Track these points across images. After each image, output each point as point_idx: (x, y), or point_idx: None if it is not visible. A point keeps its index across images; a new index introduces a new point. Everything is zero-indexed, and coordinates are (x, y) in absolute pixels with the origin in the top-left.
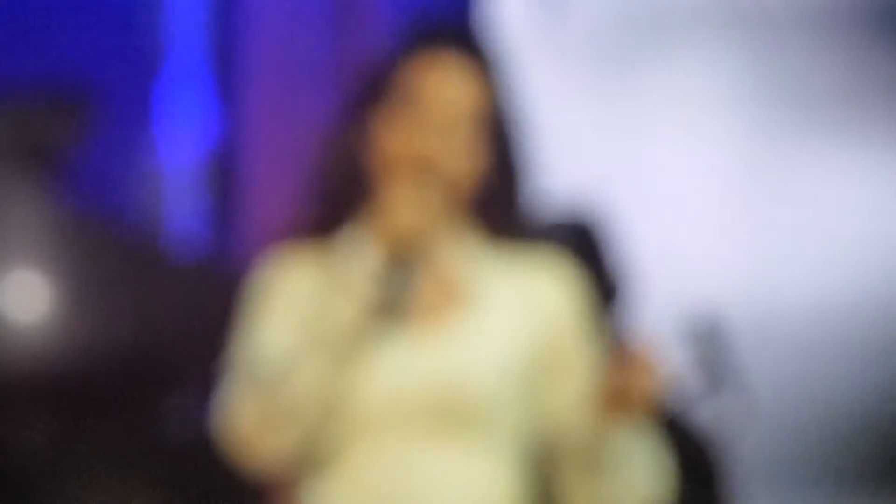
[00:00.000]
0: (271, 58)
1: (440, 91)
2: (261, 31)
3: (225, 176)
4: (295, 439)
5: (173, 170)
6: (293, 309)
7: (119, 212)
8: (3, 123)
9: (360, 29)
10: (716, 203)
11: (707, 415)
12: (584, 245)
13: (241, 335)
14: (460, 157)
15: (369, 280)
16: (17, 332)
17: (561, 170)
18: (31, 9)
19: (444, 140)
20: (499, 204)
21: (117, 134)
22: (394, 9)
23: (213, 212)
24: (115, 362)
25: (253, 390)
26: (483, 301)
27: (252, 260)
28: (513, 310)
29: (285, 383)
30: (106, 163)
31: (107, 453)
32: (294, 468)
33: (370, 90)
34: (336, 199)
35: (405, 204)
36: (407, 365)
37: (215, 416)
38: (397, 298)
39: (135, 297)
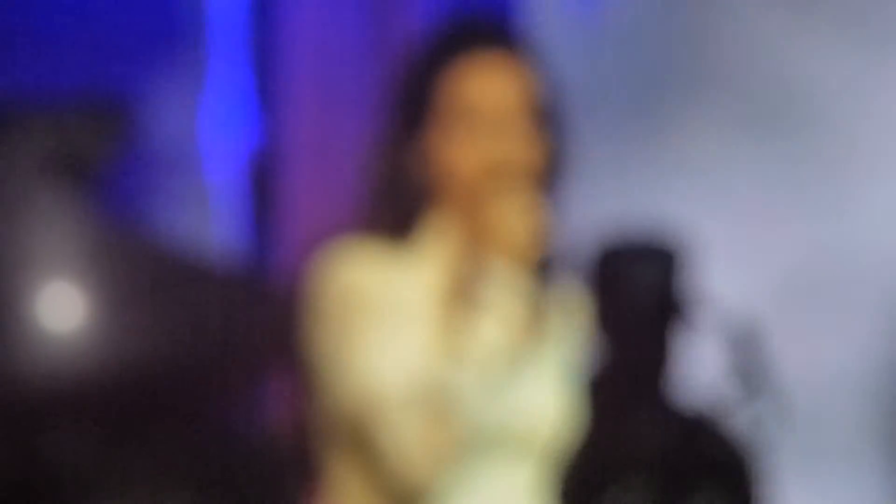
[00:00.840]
0: (312, 71)
1: (488, 93)
2: (301, 45)
3: (267, 189)
4: (460, 464)
5: (215, 183)
6: (408, 321)
7: (160, 225)
8: (43, 135)
9: (399, 41)
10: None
11: (744, 421)
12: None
13: (335, 343)
14: (528, 149)
15: (514, 300)
16: (58, 346)
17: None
18: (73, 19)
19: (509, 139)
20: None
21: (158, 146)
22: (433, 20)
23: (256, 224)
24: (156, 377)
25: (424, 418)
26: (543, 334)
27: (294, 272)
28: (555, 345)
29: (464, 406)
30: (147, 175)
31: (147, 467)
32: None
33: (418, 103)
34: (394, 213)
35: (513, 213)
36: (537, 395)
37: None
38: (537, 312)
39: (177, 310)
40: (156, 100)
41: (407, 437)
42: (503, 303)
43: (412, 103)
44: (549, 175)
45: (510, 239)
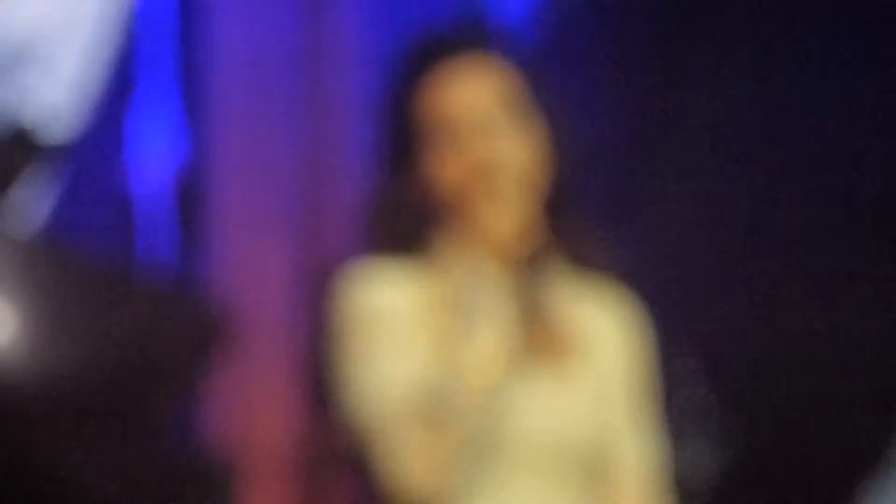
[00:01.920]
0: (240, 84)
1: (462, 98)
2: (229, 59)
3: (194, 201)
4: (463, 474)
5: (142, 196)
6: (406, 336)
7: (88, 238)
8: None
9: (331, 56)
10: None
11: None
12: None
13: (353, 364)
14: (511, 148)
15: (501, 300)
16: None
17: None
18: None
19: (489, 140)
20: (566, 209)
21: (86, 161)
22: (367, 38)
23: (183, 237)
24: (80, 390)
25: (422, 430)
26: (583, 340)
27: (221, 283)
28: (600, 350)
29: (461, 418)
30: (74, 189)
31: (76, 479)
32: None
33: (400, 124)
34: (401, 232)
35: (498, 214)
36: (548, 405)
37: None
38: (534, 312)
39: (103, 323)
40: (82, 114)
41: (405, 451)
42: (499, 307)
43: (395, 126)
44: (543, 171)
45: (498, 239)
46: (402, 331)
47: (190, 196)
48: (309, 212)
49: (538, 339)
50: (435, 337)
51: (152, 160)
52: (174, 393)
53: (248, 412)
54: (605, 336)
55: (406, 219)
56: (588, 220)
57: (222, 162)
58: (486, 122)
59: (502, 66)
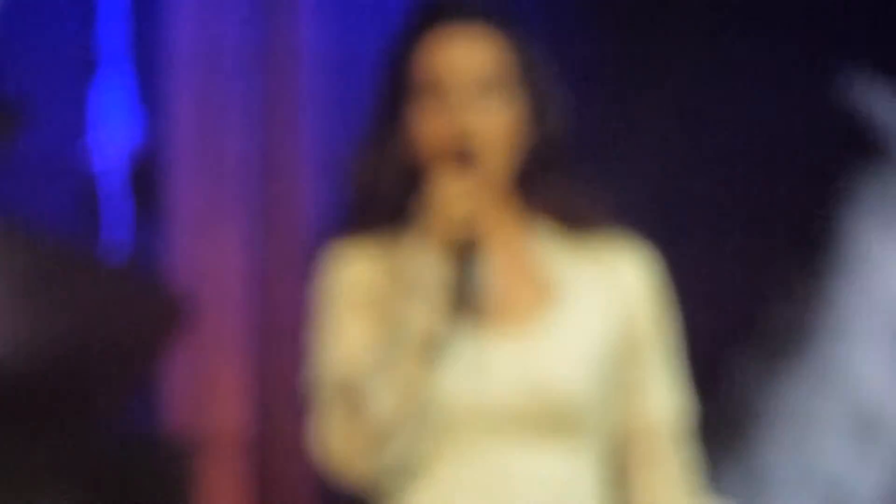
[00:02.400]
0: (196, 70)
1: (451, 64)
2: (185, 46)
3: (151, 185)
4: (394, 453)
5: (98, 177)
6: (363, 313)
7: (45, 215)
8: None
9: (284, 42)
10: None
11: None
12: None
13: (317, 340)
14: (491, 121)
15: (439, 279)
16: None
17: None
18: None
19: (468, 110)
20: (552, 175)
21: (44, 138)
22: (322, 32)
23: (140, 220)
24: (38, 366)
25: (344, 410)
26: (563, 293)
27: (176, 266)
28: (593, 301)
29: (375, 402)
30: (33, 167)
31: (31, 457)
32: (387, 480)
33: (395, 85)
34: (387, 199)
35: (453, 188)
36: (495, 366)
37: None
38: (471, 295)
39: (60, 299)
40: (42, 99)
41: (332, 430)
42: (438, 282)
43: (387, 84)
44: (528, 138)
45: (445, 215)
46: (354, 309)
47: (146, 179)
48: (262, 200)
49: (502, 298)
50: (382, 314)
51: (110, 142)
52: (134, 372)
53: (203, 391)
54: (605, 288)
55: (388, 184)
56: (579, 180)
57: (179, 145)
58: (470, 93)
59: (496, 34)
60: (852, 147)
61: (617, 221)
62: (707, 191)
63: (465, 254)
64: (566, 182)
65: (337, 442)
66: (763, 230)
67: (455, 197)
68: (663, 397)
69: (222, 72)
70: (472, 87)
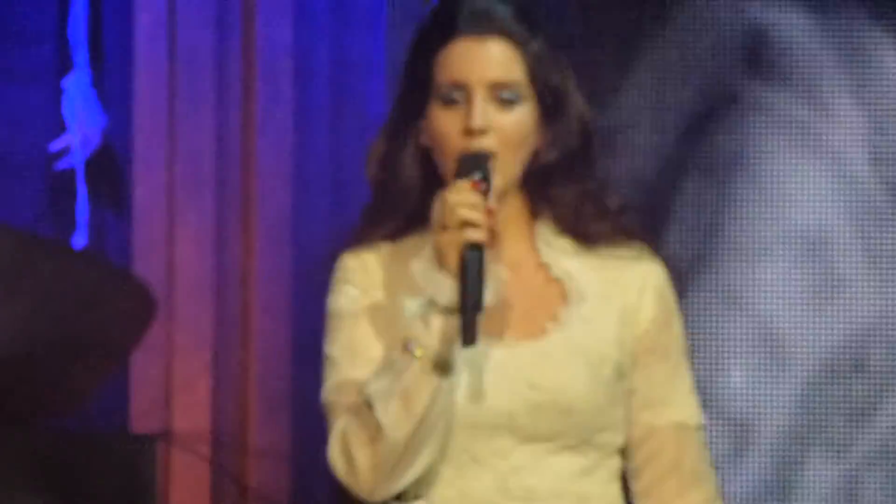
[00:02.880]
0: (159, 67)
1: (470, 68)
2: (149, 44)
3: (115, 175)
4: (415, 470)
5: (60, 170)
6: (370, 327)
7: (11, 211)
8: None
9: (244, 43)
10: None
11: None
12: None
13: (327, 356)
14: (506, 122)
15: (449, 287)
16: None
17: None
18: None
19: (485, 111)
20: (566, 181)
21: (9, 136)
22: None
23: (104, 209)
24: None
25: (362, 432)
26: (571, 298)
27: (143, 257)
28: (602, 307)
29: (387, 422)
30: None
31: None
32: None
33: (416, 91)
34: (403, 200)
35: (460, 194)
36: (499, 369)
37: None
38: (475, 302)
39: (28, 289)
40: (6, 93)
41: (357, 450)
42: (447, 289)
43: (413, 85)
44: (540, 147)
45: (453, 218)
46: (361, 322)
47: (111, 174)
48: (222, 202)
49: (512, 304)
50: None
51: (76, 137)
52: (104, 365)
53: (170, 387)
54: (615, 296)
55: (405, 185)
56: (591, 194)
57: (143, 141)
58: (489, 91)
59: (513, 43)
60: (754, 66)
61: (632, 233)
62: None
63: (468, 261)
64: (581, 189)
65: (362, 465)
66: (665, 152)
67: (461, 202)
68: (681, 406)
69: (187, 70)
70: (489, 91)
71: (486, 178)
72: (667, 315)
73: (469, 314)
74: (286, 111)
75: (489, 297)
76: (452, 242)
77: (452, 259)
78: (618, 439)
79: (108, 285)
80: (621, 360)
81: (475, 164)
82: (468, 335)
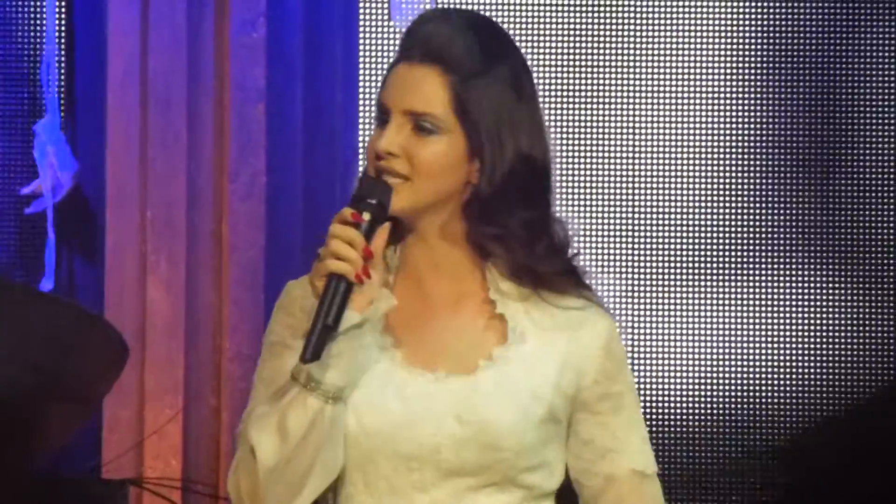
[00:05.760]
0: (132, 106)
1: (394, 95)
2: (123, 81)
3: (82, 219)
4: (305, 500)
5: (32, 213)
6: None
7: None
8: None
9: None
10: None
11: None
12: None
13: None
14: (420, 150)
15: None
16: None
17: None
18: None
19: (397, 136)
20: (508, 219)
21: None
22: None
23: (70, 254)
24: None
25: (241, 453)
26: (512, 337)
27: (109, 303)
28: (543, 349)
29: (271, 452)
30: None
31: None
32: None
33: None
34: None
35: (339, 226)
36: (425, 401)
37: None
38: (326, 330)
39: (14, 337)
40: None
41: (238, 469)
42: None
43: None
44: (476, 185)
45: (325, 251)
46: (283, 360)
47: (82, 218)
48: (194, 247)
49: (448, 345)
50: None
51: (45, 181)
52: (78, 410)
53: (140, 428)
54: (560, 340)
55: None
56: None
57: (113, 185)
58: (408, 118)
59: (445, 75)
60: None
61: (580, 278)
62: None
63: (328, 286)
64: (525, 223)
65: (245, 493)
66: None
67: (336, 234)
68: (638, 454)
69: (159, 114)
70: (409, 117)
71: (381, 204)
72: (616, 366)
73: (314, 332)
74: (259, 156)
75: (350, 322)
76: (320, 269)
77: (318, 285)
78: (547, 483)
79: (80, 330)
80: (557, 403)
81: (371, 189)
82: (306, 351)
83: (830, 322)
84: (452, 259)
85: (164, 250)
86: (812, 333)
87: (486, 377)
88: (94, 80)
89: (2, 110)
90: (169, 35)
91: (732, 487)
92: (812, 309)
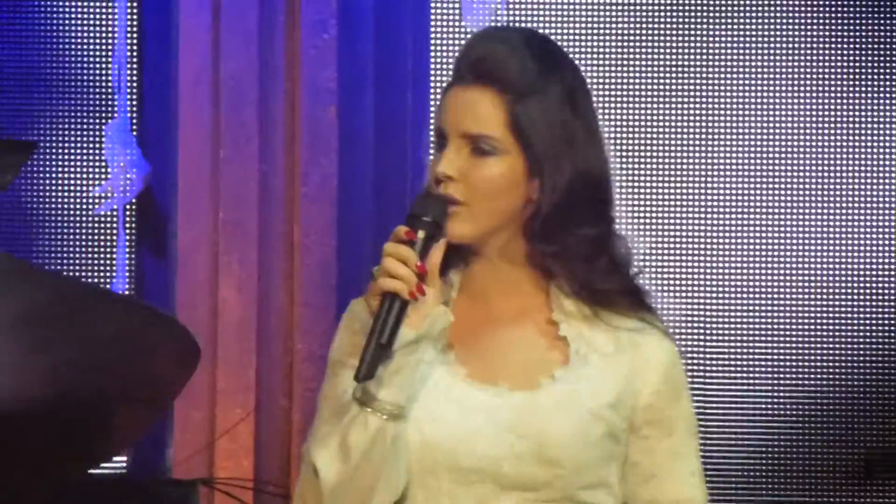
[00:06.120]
0: (202, 110)
1: (445, 119)
2: (193, 84)
3: (153, 220)
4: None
5: (104, 215)
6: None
7: (53, 255)
8: None
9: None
10: None
11: None
12: None
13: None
14: (478, 172)
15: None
16: None
17: None
18: None
19: (455, 159)
20: (570, 238)
21: (47, 179)
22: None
23: (141, 254)
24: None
25: (312, 482)
26: (573, 356)
27: (186, 299)
28: (604, 370)
29: (333, 470)
30: (37, 207)
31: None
32: None
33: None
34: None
35: (393, 245)
36: (484, 417)
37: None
38: (384, 348)
39: (74, 335)
40: (52, 135)
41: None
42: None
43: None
44: (536, 206)
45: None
46: (342, 378)
47: (153, 215)
48: (266, 248)
49: (511, 361)
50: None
51: (117, 178)
52: (148, 411)
53: (211, 429)
54: (620, 362)
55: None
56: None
57: (185, 186)
58: (466, 141)
59: (501, 96)
60: None
61: (642, 300)
62: None
63: (382, 304)
64: (587, 239)
65: (303, 501)
66: None
67: (390, 252)
68: (684, 485)
69: (231, 115)
70: (466, 140)
71: (436, 222)
72: (673, 390)
73: (367, 351)
74: (330, 158)
75: (405, 339)
76: (375, 288)
77: (373, 304)
78: (606, 501)
79: (151, 331)
80: (615, 423)
81: (425, 207)
82: (360, 370)
83: None
84: (516, 278)
85: (235, 251)
86: None
87: (547, 394)
88: (165, 82)
89: (74, 112)
90: (240, 37)
91: None
92: None
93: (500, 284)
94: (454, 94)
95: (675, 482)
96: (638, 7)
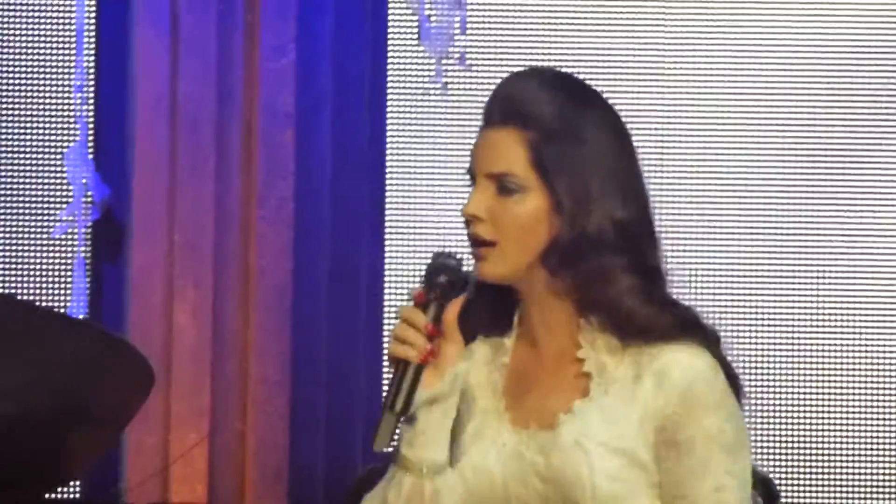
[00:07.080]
0: (161, 134)
1: (474, 159)
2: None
3: (109, 243)
4: None
5: (59, 238)
6: None
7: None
8: None
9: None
10: None
11: None
12: None
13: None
14: (506, 212)
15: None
16: None
17: None
18: None
19: (483, 199)
20: (592, 271)
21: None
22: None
23: (96, 278)
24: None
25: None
26: (599, 386)
27: (134, 327)
28: (630, 398)
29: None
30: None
31: None
32: None
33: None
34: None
35: (408, 309)
36: (519, 463)
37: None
38: (402, 407)
39: (29, 357)
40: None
41: None
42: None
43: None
44: (560, 240)
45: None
46: None
47: (108, 242)
48: (221, 272)
49: (536, 401)
50: None
51: (75, 205)
52: (103, 435)
53: (165, 453)
54: (648, 388)
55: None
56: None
57: (140, 209)
58: (492, 181)
59: (524, 135)
60: None
61: (677, 328)
62: None
63: (395, 370)
64: (614, 280)
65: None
66: None
67: (402, 315)
68: (700, 502)
69: (188, 138)
70: (493, 180)
71: (450, 281)
72: (691, 410)
73: (381, 420)
74: (287, 181)
75: (420, 400)
76: (391, 353)
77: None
78: None
79: (106, 355)
80: (637, 451)
81: (438, 268)
82: (374, 439)
83: None
84: (560, 313)
85: (191, 275)
86: None
87: (565, 431)
88: (123, 105)
89: (32, 135)
90: (198, 59)
91: None
92: None
93: (546, 323)
94: (482, 136)
95: (696, 501)
96: (595, 28)
